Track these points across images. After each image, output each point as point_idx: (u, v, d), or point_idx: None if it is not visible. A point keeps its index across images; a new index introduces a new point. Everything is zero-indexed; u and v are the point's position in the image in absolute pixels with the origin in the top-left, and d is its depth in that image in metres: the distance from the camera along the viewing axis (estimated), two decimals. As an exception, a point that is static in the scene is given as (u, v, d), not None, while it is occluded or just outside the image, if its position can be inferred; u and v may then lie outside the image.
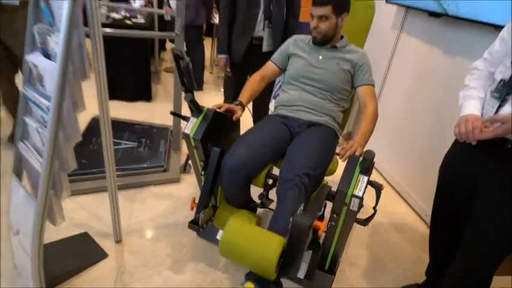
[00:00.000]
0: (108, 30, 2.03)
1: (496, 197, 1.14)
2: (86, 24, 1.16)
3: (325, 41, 1.61)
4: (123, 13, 3.45)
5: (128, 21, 3.29)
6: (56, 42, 1.08)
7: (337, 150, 1.55)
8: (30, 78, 1.25)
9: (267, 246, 1.14)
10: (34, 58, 1.20)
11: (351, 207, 1.22)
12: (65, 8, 1.01)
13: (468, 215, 1.23)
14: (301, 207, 1.18)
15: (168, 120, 2.62)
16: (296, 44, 1.72)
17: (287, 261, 1.14)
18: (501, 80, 1.08)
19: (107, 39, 1.34)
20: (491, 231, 1.15)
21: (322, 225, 1.21)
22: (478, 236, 1.19)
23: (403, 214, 2.29)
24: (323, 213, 1.40)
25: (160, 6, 3.83)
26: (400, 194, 2.46)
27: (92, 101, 1.32)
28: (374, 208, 1.31)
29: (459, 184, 1.28)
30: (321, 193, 1.30)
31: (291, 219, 1.08)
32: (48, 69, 1.14)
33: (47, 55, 1.18)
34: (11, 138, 2.27)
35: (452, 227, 1.36)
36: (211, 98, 3.67)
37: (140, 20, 3.42)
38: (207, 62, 4.21)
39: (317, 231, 1.22)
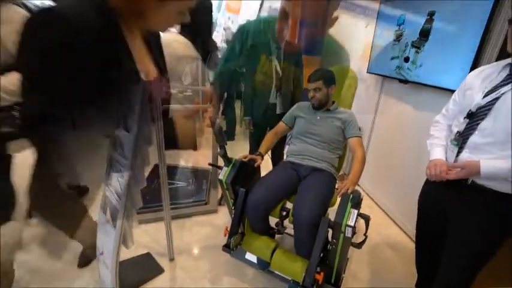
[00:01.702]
0: (165, 105, 2.18)
1: (463, 225, 1.10)
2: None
3: (321, 106, 1.67)
4: (176, 89, 3.73)
5: (180, 95, 3.55)
6: (132, 120, 1.22)
7: (336, 185, 1.56)
8: (116, 145, 1.38)
9: (297, 264, 1.41)
10: (119, 132, 1.32)
11: (346, 234, 1.22)
12: (137, 100, 1.17)
13: (444, 241, 1.18)
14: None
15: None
16: (300, 108, 1.78)
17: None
18: (457, 132, 1.10)
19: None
20: (460, 258, 1.11)
21: (320, 277, 1.29)
22: (452, 263, 1.14)
23: (395, 235, 2.18)
24: (326, 237, 1.38)
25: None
26: (391, 219, 2.37)
27: (153, 153, 1.40)
28: (365, 234, 1.29)
29: (433, 215, 1.25)
30: (322, 227, 1.31)
31: None
32: (127, 139, 1.26)
33: (127, 129, 1.31)
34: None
35: (432, 249, 1.30)
36: (240, 146, 3.71)
37: (189, 92, 3.68)
38: (238, 118, 4.32)
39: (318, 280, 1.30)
